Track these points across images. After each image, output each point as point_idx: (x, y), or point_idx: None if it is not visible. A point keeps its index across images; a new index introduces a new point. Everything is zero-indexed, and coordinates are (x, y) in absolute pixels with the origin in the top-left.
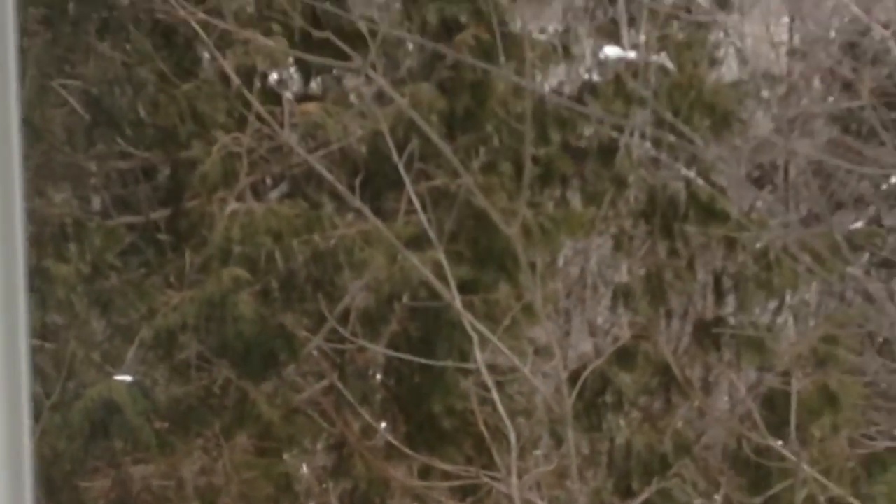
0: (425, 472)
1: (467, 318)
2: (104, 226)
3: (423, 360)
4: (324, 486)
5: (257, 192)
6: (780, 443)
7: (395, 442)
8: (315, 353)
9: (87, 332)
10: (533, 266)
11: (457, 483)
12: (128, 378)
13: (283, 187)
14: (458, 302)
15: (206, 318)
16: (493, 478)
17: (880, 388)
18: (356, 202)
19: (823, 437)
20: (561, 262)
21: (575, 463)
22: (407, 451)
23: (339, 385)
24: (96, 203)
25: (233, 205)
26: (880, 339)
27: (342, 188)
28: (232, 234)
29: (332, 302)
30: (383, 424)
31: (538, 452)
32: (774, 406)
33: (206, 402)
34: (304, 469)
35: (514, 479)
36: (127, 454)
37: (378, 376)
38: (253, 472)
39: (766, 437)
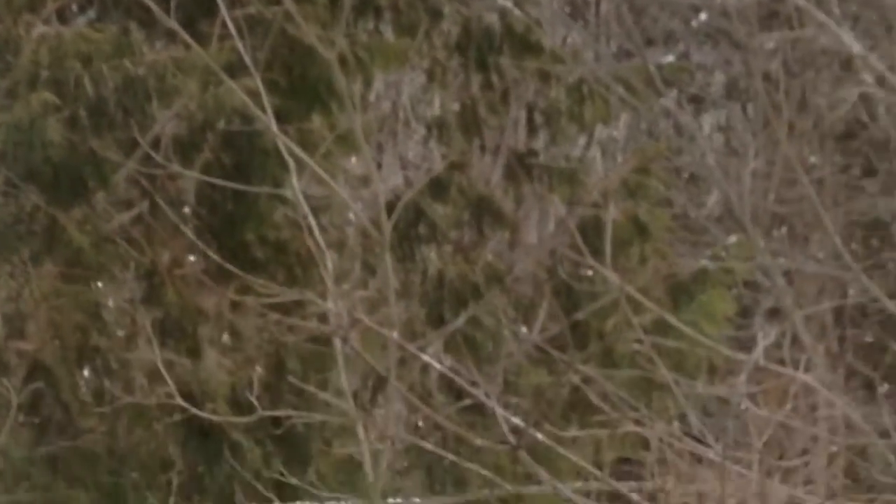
0: (237, 301)
1: (284, 145)
2: None
3: (237, 187)
4: (134, 314)
5: (64, 16)
6: (591, 272)
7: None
8: (125, 181)
9: None
10: (348, 96)
11: (273, 301)
12: None
13: (92, 13)
14: (274, 127)
15: (14, 144)
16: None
17: (688, 220)
18: (172, 24)
19: (633, 266)
20: (373, 96)
21: (392, 288)
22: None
23: (150, 213)
24: None
25: (40, 28)
26: (687, 174)
27: (158, 10)
28: (40, 58)
29: (144, 130)
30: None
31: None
32: (586, 236)
33: (14, 228)
34: (113, 299)
35: (330, 304)
36: None
37: (189, 206)
38: (61, 299)
39: (580, 265)
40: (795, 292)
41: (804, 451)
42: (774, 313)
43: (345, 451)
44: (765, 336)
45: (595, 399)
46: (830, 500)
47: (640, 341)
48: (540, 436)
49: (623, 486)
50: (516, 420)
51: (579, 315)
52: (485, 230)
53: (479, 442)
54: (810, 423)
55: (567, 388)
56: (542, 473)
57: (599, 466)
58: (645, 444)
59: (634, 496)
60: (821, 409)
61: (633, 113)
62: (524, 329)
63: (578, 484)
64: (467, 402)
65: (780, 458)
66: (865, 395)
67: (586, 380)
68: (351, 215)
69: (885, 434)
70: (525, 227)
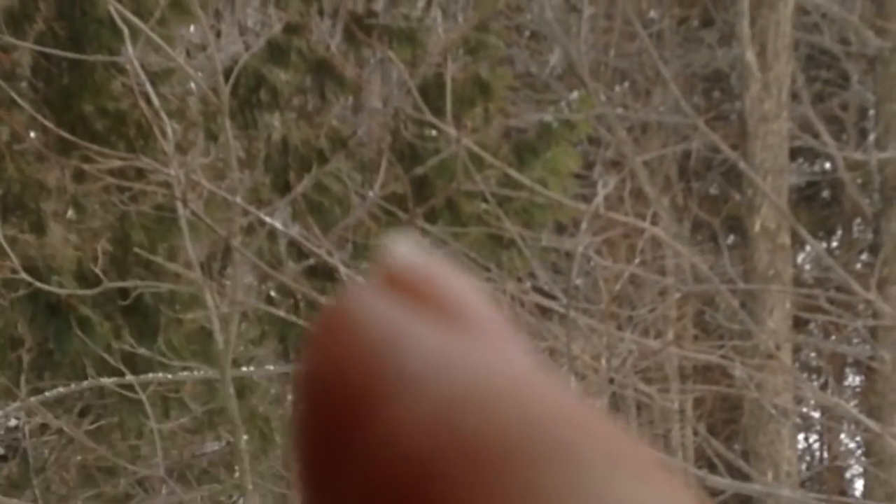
0: (80, 174)
1: (117, 13)
2: None
3: (71, 56)
4: None
5: None
6: (434, 132)
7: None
8: None
9: None
10: None
11: (115, 169)
12: None
13: None
14: None
15: None
16: (151, 167)
17: (530, 78)
18: None
19: (476, 126)
20: None
21: (234, 154)
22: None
23: None
24: None
25: None
26: (528, 31)
27: None
28: None
29: None
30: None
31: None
32: (428, 96)
33: None
34: None
35: (173, 170)
36: None
37: (25, 80)
38: None
39: (423, 125)
40: (637, 146)
41: (652, 302)
42: (616, 165)
43: (195, 321)
44: (605, 185)
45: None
46: (678, 348)
47: (486, 200)
48: None
49: None
50: (362, 278)
51: (420, 170)
52: (327, 94)
53: (325, 300)
54: (658, 274)
55: None
56: None
57: None
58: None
59: None
60: (668, 260)
61: None
62: (371, 193)
63: None
64: (313, 261)
65: (630, 309)
66: (711, 246)
67: (435, 240)
68: (191, 84)
69: (730, 282)
70: (367, 89)
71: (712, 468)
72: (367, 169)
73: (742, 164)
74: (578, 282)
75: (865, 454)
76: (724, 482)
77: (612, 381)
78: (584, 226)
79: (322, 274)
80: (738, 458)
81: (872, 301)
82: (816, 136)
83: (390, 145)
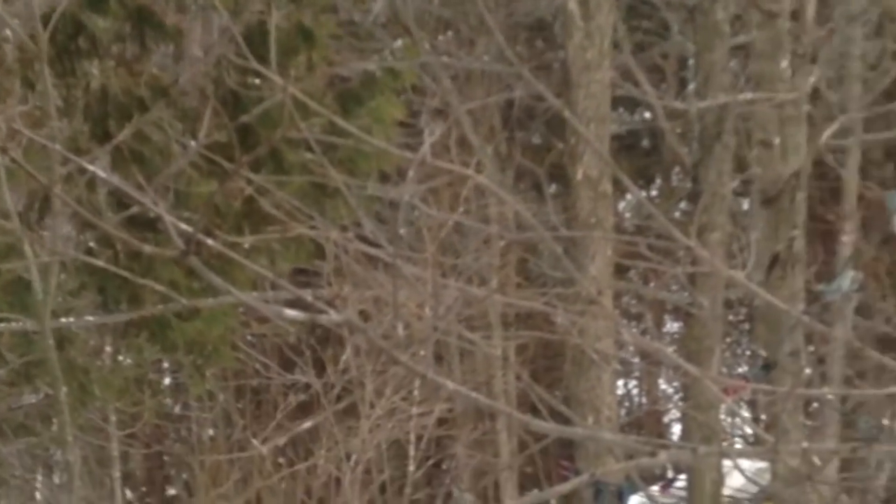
0: None
1: None
2: None
3: None
4: None
5: None
6: (258, 80)
7: None
8: None
9: None
10: None
11: None
12: None
13: None
14: None
15: None
16: None
17: (354, 27)
18: None
19: (300, 75)
20: None
21: (53, 102)
22: None
23: None
24: None
25: None
26: None
27: None
28: None
29: None
30: None
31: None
32: (252, 44)
33: None
34: None
35: None
36: None
37: None
38: None
39: (246, 73)
40: (462, 96)
41: (476, 250)
42: (441, 114)
43: (12, 271)
44: (431, 133)
45: (268, 208)
46: (501, 295)
47: (310, 149)
48: (211, 242)
49: (301, 293)
50: (185, 227)
51: (245, 119)
52: (147, 42)
53: (147, 249)
54: (482, 223)
55: (239, 200)
56: (216, 279)
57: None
58: (320, 254)
59: (315, 302)
60: (491, 209)
61: None
62: (193, 142)
63: (255, 294)
64: (135, 210)
65: (455, 257)
66: (534, 195)
67: (260, 190)
68: (7, 31)
69: (553, 229)
70: (189, 37)
71: (536, 414)
72: (189, 118)
73: (566, 112)
74: (403, 231)
75: (683, 399)
76: (547, 426)
77: (436, 329)
78: (410, 174)
79: (143, 224)
80: (561, 404)
81: (692, 248)
82: (637, 84)
83: (213, 94)
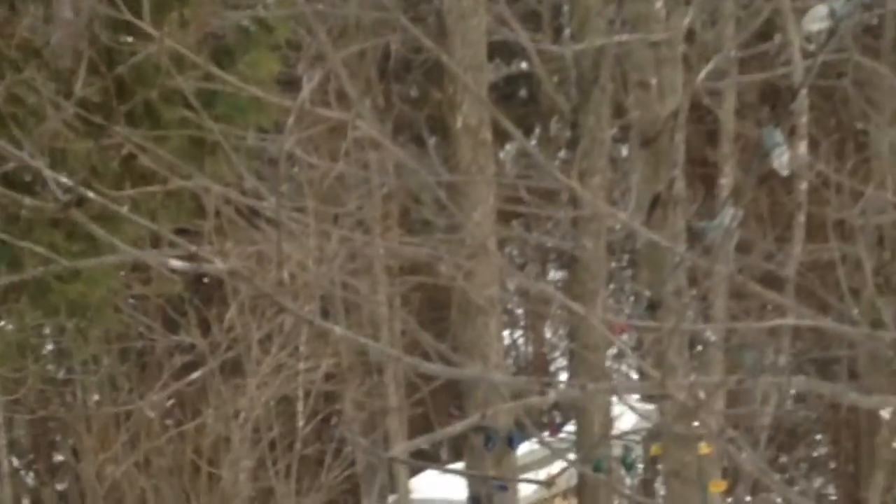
0: None
1: None
2: None
3: None
4: None
5: None
6: (131, 38)
7: None
8: None
9: None
10: None
11: None
12: None
13: None
14: None
15: None
16: None
17: None
18: None
19: (173, 31)
20: None
21: None
22: None
23: None
24: None
25: None
26: None
27: None
28: None
29: None
30: None
31: None
32: (126, 1)
33: None
34: None
35: None
36: None
37: None
38: None
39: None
40: (338, 46)
41: (359, 198)
42: (319, 61)
43: None
44: (309, 79)
45: (147, 164)
46: (386, 241)
47: (187, 105)
48: (92, 195)
49: (185, 244)
50: (65, 180)
51: (119, 73)
52: (17, 5)
53: (28, 202)
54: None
55: (117, 159)
56: (99, 231)
57: (157, 238)
58: (201, 214)
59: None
60: (372, 159)
61: None
62: (66, 102)
63: (139, 252)
64: (10, 167)
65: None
66: (415, 147)
67: (138, 148)
68: None
69: (435, 175)
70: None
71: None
72: (62, 78)
73: (444, 57)
74: (285, 186)
75: (570, 342)
76: (436, 368)
77: (321, 276)
78: (289, 122)
79: (20, 186)
80: (448, 352)
81: (574, 188)
82: (513, 31)
83: (87, 52)
